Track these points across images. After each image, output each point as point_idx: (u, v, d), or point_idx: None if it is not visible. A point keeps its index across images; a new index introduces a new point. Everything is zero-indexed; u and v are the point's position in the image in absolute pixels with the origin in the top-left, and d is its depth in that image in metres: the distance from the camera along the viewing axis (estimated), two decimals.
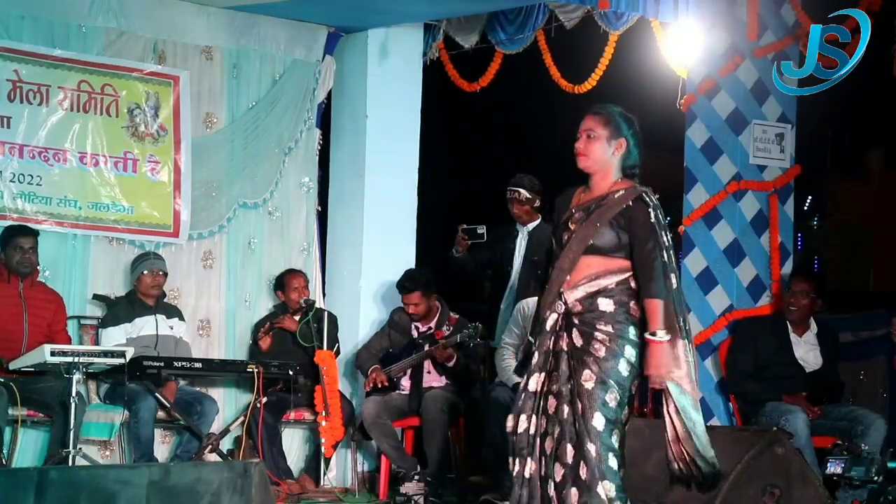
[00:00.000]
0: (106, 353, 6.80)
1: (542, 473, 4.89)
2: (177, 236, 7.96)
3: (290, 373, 7.51)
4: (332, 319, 7.94)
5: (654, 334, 4.78)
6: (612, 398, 4.77)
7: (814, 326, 7.35)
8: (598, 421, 4.75)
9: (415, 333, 7.79)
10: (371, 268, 8.39)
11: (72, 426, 6.64)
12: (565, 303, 4.90)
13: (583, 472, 4.76)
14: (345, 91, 8.60)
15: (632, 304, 4.85)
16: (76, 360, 6.60)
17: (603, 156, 4.94)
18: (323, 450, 7.62)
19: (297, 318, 7.91)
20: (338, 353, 7.89)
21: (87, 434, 7.03)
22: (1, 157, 7.36)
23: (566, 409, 4.83)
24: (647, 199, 4.87)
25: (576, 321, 4.86)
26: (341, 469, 8.11)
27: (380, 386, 7.63)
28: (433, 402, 7.45)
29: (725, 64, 7.69)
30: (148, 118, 7.88)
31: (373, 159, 8.43)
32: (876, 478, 6.08)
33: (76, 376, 6.62)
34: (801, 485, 5.95)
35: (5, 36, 7.42)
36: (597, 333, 4.82)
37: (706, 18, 7.63)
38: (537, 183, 7.83)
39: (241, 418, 7.52)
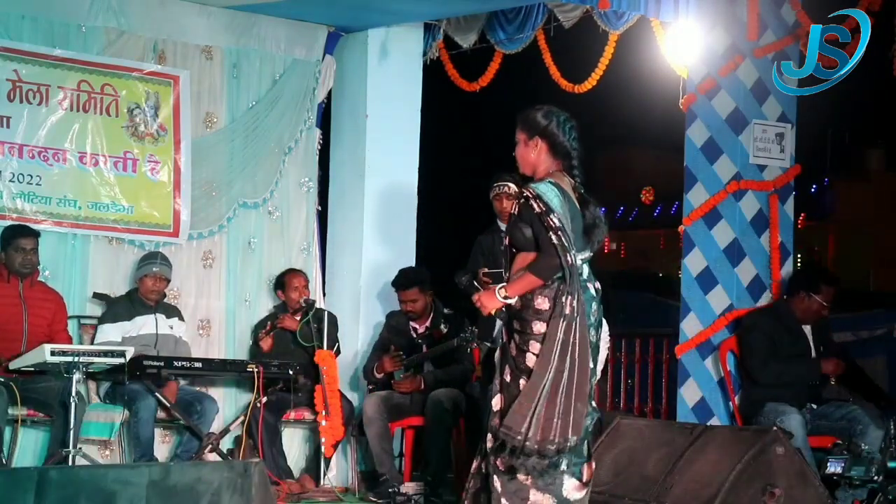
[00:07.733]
0: (106, 353, 6.79)
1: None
2: (177, 236, 7.95)
3: (291, 372, 7.51)
4: (332, 319, 7.94)
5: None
6: None
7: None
8: None
9: (414, 334, 7.78)
10: (371, 268, 8.39)
11: (72, 426, 6.64)
12: None
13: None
14: (345, 91, 8.60)
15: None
16: (76, 359, 6.60)
17: (526, 158, 5.33)
18: (323, 449, 7.62)
19: (297, 317, 7.91)
20: (338, 352, 7.89)
21: (87, 434, 7.03)
22: (0, 156, 7.36)
23: None
24: (526, 191, 5.15)
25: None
26: (341, 469, 8.11)
27: (391, 369, 7.64)
28: (437, 403, 7.44)
29: (725, 64, 7.68)
30: (148, 118, 7.88)
31: (373, 159, 8.43)
32: (876, 477, 6.09)
33: (76, 376, 6.62)
34: (801, 485, 5.95)
35: (5, 36, 7.41)
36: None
37: (706, 18, 7.63)
38: (519, 179, 7.79)
39: (241, 418, 7.52)
